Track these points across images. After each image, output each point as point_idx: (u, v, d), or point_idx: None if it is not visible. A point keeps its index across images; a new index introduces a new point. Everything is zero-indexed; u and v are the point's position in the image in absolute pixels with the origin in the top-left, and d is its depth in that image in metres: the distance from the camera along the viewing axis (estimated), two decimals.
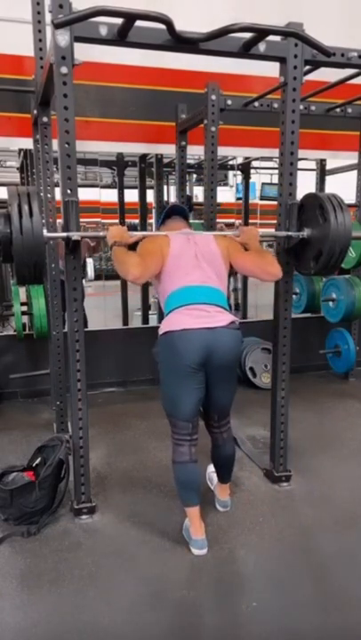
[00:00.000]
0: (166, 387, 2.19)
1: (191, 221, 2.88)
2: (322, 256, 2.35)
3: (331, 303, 4.10)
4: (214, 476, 2.52)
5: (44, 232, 2.08)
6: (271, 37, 2.15)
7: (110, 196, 5.34)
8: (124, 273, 2.17)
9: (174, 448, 2.21)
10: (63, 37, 1.97)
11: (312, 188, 4.95)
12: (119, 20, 1.96)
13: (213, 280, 2.22)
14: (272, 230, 2.56)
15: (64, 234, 2.14)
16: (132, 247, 2.27)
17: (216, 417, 2.31)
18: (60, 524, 2.35)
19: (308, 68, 2.46)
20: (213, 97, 3.21)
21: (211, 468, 2.58)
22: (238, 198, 6.10)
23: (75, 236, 2.13)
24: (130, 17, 1.91)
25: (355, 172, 4.21)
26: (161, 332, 2.15)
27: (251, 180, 5.91)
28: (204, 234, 2.41)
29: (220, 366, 2.13)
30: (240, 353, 2.22)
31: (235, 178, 6.45)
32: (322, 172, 5.01)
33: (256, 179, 5.98)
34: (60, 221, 2.40)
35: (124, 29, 1.99)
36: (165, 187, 5.10)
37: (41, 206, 2.09)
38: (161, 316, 4.60)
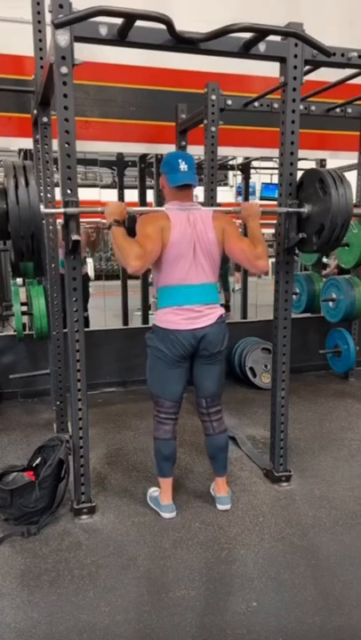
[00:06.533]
0: (154, 372, 2.34)
1: None
2: (324, 230, 2.32)
3: (331, 303, 4.10)
4: None
5: (41, 207, 2.05)
6: (271, 37, 2.15)
7: (110, 196, 5.34)
8: (123, 262, 2.16)
9: (157, 426, 2.39)
10: (63, 37, 1.97)
11: None
12: (119, 20, 1.96)
13: (208, 275, 2.28)
14: (274, 208, 2.53)
15: (62, 209, 2.12)
16: (132, 231, 2.19)
17: (204, 403, 2.41)
18: (60, 524, 2.35)
19: (308, 68, 2.46)
20: (213, 97, 3.22)
21: None
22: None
23: (75, 236, 2.12)
24: (130, 17, 1.91)
25: (355, 172, 4.21)
26: (155, 323, 2.30)
27: (251, 180, 5.91)
28: (204, 210, 2.32)
29: (202, 355, 2.30)
30: (223, 342, 2.31)
31: (235, 178, 6.45)
32: None
33: (256, 179, 5.98)
34: (60, 221, 2.39)
35: (124, 29, 1.99)
36: None
37: (37, 179, 2.05)
38: None
